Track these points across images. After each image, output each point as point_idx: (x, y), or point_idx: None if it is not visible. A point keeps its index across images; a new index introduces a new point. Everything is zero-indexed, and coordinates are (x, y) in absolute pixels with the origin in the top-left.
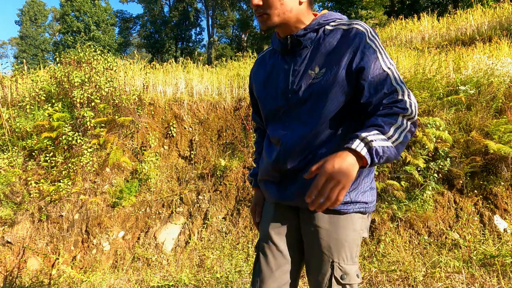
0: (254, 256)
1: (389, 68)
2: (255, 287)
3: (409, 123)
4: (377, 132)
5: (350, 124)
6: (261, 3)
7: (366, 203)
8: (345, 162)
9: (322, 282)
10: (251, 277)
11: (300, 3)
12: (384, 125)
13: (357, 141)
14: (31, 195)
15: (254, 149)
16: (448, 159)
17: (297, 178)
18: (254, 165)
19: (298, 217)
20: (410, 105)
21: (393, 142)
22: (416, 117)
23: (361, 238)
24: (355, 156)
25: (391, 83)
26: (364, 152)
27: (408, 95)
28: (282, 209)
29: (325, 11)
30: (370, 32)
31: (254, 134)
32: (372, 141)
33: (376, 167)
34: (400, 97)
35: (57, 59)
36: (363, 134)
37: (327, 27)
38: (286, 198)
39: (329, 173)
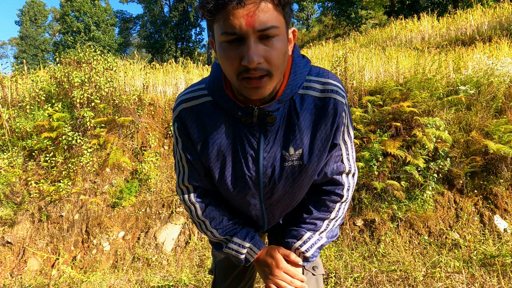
0: (211, 279)
1: (345, 142)
2: None
3: (342, 207)
4: (310, 234)
5: None
6: (262, 60)
7: None
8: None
9: None
10: None
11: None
12: (317, 222)
13: (294, 254)
14: (31, 195)
15: (204, 218)
16: (448, 159)
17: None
18: (222, 236)
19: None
20: (348, 189)
21: (326, 232)
22: (351, 196)
23: None
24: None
25: (341, 160)
26: (300, 263)
27: (353, 174)
28: None
29: (289, 58)
30: (345, 96)
31: (196, 205)
32: (305, 252)
33: (375, 167)
34: (342, 180)
35: (57, 59)
36: (300, 247)
37: (298, 91)
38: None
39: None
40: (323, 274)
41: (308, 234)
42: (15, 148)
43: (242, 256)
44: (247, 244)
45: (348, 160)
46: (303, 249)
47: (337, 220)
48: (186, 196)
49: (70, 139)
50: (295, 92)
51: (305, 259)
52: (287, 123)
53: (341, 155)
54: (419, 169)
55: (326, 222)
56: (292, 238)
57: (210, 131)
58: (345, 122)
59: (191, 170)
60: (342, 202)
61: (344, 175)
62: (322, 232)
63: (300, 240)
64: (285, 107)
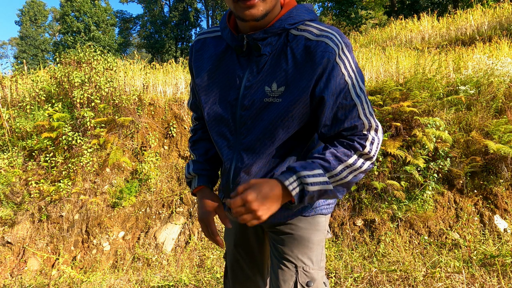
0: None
1: (358, 97)
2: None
3: (366, 163)
4: (320, 170)
5: (304, 142)
6: None
7: (328, 204)
8: (268, 198)
9: None
10: (223, 281)
11: None
12: (331, 161)
13: (293, 177)
14: (31, 195)
15: (191, 136)
16: (448, 159)
17: None
18: (193, 157)
19: (263, 228)
20: (372, 143)
21: (336, 182)
22: (376, 156)
23: (324, 240)
24: (284, 192)
25: (358, 116)
26: (294, 192)
27: (376, 129)
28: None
29: (293, 2)
30: (342, 48)
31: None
32: (308, 184)
33: (375, 167)
34: (364, 131)
35: (57, 59)
36: (302, 173)
37: (292, 31)
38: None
39: (248, 201)
40: None
41: (318, 170)
42: (15, 148)
43: (187, 180)
44: (192, 174)
45: (366, 116)
46: (307, 180)
47: (353, 170)
48: (191, 118)
49: (70, 139)
50: (284, 28)
51: (302, 193)
52: (276, 59)
53: (355, 110)
54: (419, 169)
55: (341, 166)
56: (301, 167)
57: (207, 57)
58: (345, 72)
59: (193, 97)
60: (363, 154)
61: (363, 129)
62: (334, 176)
63: (307, 170)
64: (278, 44)
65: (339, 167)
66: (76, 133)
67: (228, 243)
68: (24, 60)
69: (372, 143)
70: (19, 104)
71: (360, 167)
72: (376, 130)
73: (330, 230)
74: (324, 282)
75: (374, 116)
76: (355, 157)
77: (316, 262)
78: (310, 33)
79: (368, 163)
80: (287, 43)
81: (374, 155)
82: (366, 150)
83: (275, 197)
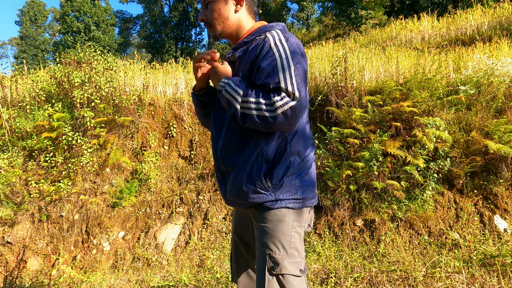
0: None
1: (283, 70)
2: (231, 269)
3: (270, 111)
4: (241, 91)
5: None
6: (205, 18)
7: (296, 199)
8: (219, 75)
9: (259, 276)
10: (230, 263)
11: (236, 11)
12: (253, 93)
13: (225, 83)
14: (31, 195)
15: None
16: (448, 159)
17: (227, 179)
18: None
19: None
20: (282, 99)
21: (244, 107)
22: (278, 115)
23: (295, 230)
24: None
25: (279, 81)
26: (218, 88)
27: (292, 95)
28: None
29: (263, 23)
30: (280, 39)
31: None
32: (226, 91)
33: (375, 167)
34: (281, 91)
35: (57, 59)
36: (232, 84)
37: (257, 38)
38: (225, 200)
39: (214, 66)
40: (293, 275)
41: (239, 90)
42: (15, 148)
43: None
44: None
45: (286, 83)
46: (227, 89)
47: (258, 109)
48: None
49: (70, 139)
50: (253, 38)
51: (219, 91)
52: (241, 60)
53: (278, 77)
54: (419, 169)
55: (253, 99)
56: (237, 82)
57: None
58: (274, 54)
59: None
60: (270, 104)
61: (283, 92)
62: (245, 102)
63: (236, 86)
64: (244, 49)
65: (252, 99)
66: (76, 133)
67: (231, 229)
68: (24, 60)
69: (282, 99)
70: (19, 104)
71: (261, 109)
72: (291, 96)
73: (330, 229)
74: (300, 270)
75: (296, 87)
76: (267, 101)
77: (284, 249)
78: (264, 35)
79: (269, 113)
80: (250, 46)
81: (276, 109)
82: (273, 100)
83: (220, 77)
